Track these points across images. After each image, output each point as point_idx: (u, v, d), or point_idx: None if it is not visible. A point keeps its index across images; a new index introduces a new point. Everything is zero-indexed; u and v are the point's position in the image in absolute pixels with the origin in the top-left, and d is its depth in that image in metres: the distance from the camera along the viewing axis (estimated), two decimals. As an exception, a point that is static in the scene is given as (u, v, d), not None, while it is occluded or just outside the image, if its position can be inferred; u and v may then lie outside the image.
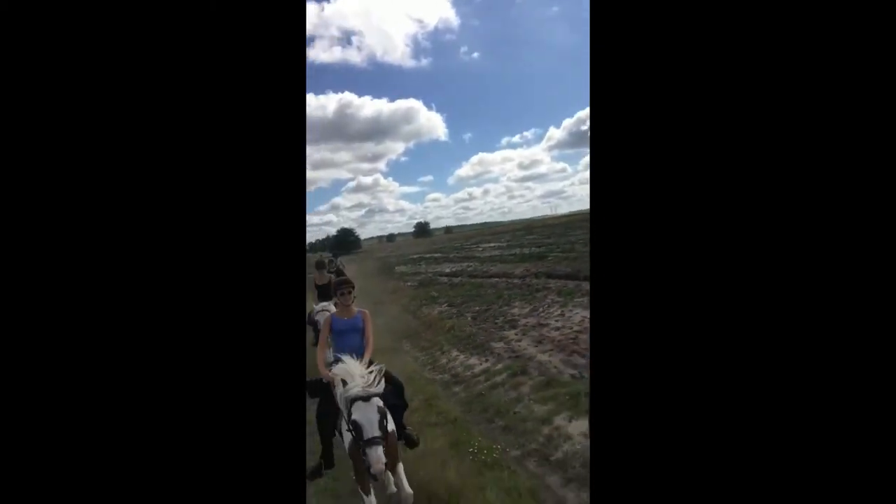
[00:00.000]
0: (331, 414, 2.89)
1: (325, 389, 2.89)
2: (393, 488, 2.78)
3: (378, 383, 2.57)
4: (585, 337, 5.93)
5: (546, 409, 4.22)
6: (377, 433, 2.42)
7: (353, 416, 2.47)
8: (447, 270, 16.71)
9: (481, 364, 5.89)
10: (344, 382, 2.61)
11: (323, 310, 6.36)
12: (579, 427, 3.68)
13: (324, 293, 6.89)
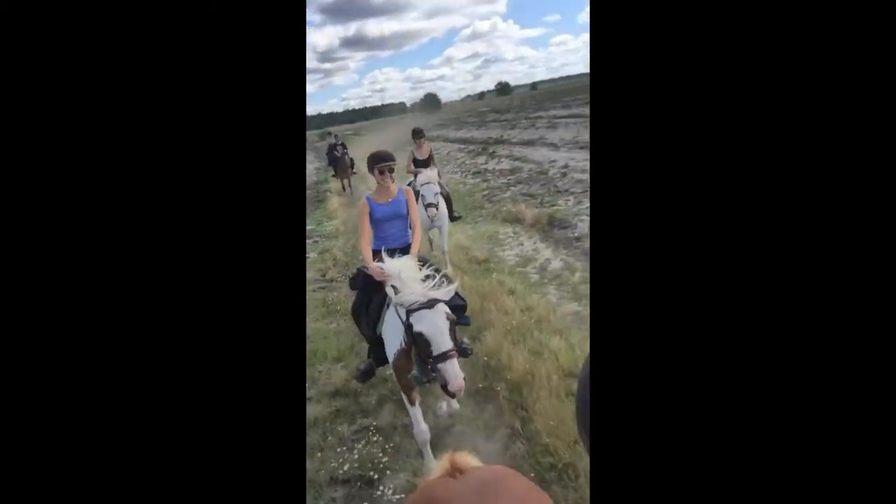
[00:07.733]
0: (370, 310, 2.51)
1: (364, 282, 2.55)
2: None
3: (442, 285, 2.16)
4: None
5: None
6: (450, 345, 2.01)
7: (417, 328, 2.05)
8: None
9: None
10: (394, 288, 2.20)
11: (428, 182, 5.04)
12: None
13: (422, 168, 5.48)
